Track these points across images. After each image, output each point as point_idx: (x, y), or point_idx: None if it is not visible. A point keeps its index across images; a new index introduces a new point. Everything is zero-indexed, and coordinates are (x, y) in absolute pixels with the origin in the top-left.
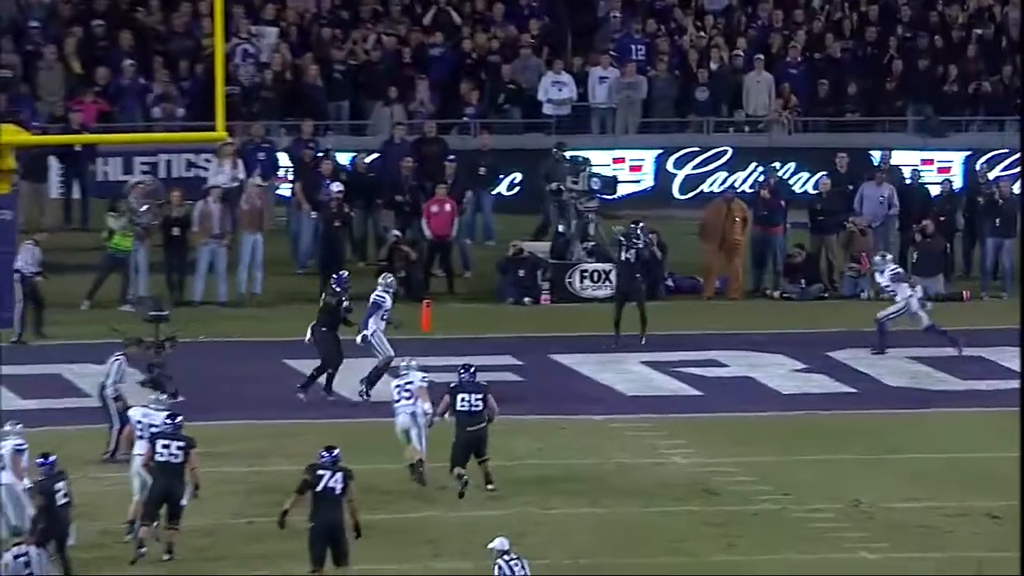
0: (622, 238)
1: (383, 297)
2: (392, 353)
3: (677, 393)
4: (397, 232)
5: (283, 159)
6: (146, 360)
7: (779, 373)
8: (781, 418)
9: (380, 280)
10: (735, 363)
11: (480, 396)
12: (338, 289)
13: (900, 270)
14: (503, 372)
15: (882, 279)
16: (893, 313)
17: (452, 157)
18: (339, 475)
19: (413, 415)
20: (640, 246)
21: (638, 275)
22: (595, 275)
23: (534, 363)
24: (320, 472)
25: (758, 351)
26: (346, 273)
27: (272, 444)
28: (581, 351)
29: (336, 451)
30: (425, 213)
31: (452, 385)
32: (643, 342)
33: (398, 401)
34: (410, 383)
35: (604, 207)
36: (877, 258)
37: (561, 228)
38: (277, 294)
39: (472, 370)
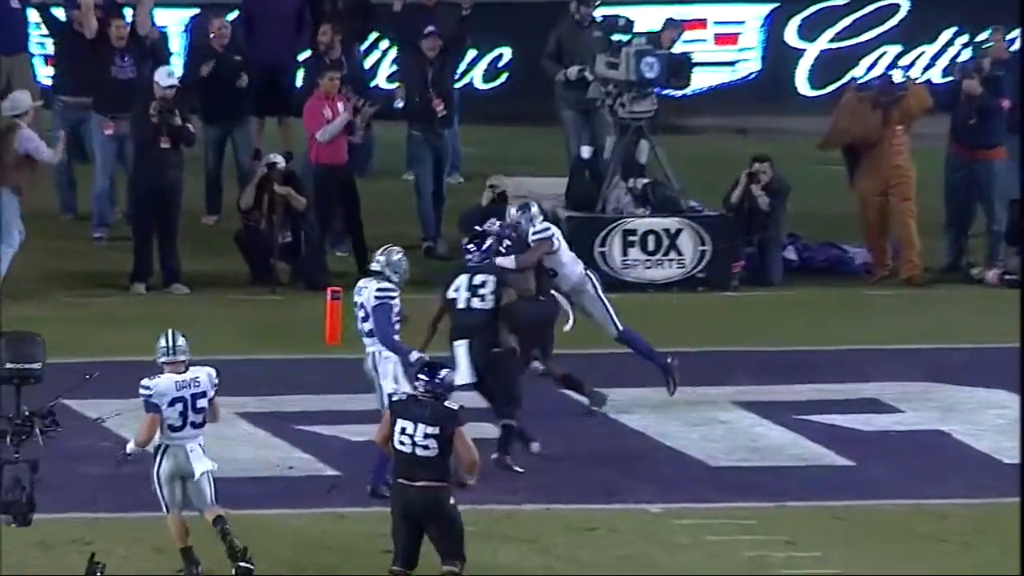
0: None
1: (391, 292)
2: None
3: (807, 462)
4: (276, 157)
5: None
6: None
7: (997, 424)
8: (1006, 507)
9: (381, 258)
10: (914, 406)
11: (435, 431)
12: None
13: (551, 231)
14: (475, 423)
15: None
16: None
17: (432, 29)
18: None
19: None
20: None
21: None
22: (652, 240)
23: (536, 406)
24: None
25: (956, 383)
26: (498, 223)
27: (43, 557)
28: (623, 382)
29: None
30: (307, 121)
31: (394, 399)
32: (600, 408)
33: (180, 428)
34: (202, 392)
35: (669, 112)
36: (514, 211)
37: (585, 153)
38: (44, 277)
39: (437, 375)
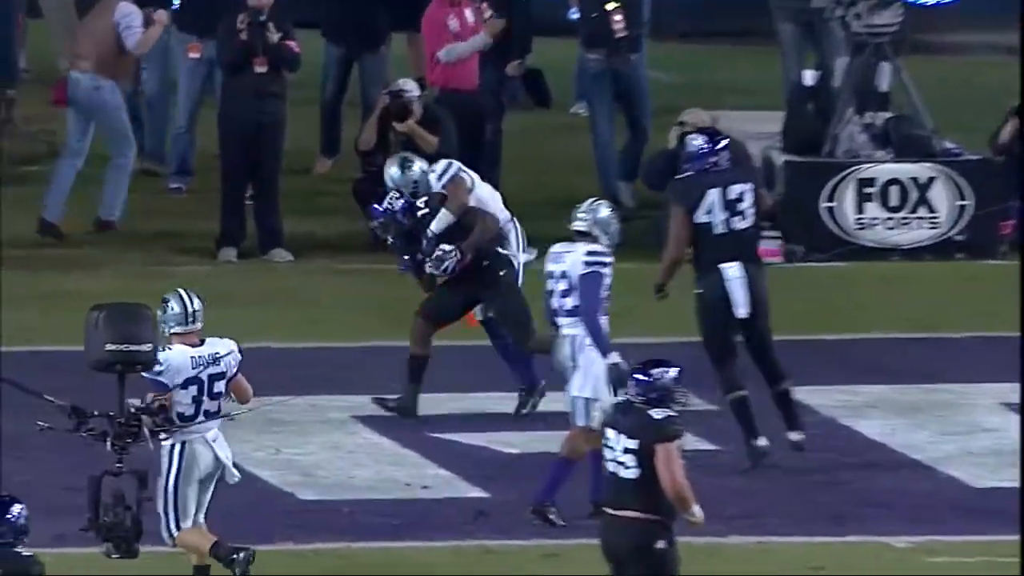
0: None
1: (605, 257)
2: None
3: None
4: (405, 84)
5: None
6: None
7: None
8: None
9: (586, 216)
10: None
11: (634, 445)
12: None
13: (455, 165)
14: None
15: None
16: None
17: None
18: None
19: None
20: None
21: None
22: (896, 192)
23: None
24: None
25: None
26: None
27: None
28: (856, 378)
29: None
30: (427, 33)
31: (615, 402)
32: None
33: (191, 417)
34: (220, 373)
35: (918, 26)
36: (395, 171)
37: (809, 79)
38: (109, 240)
39: (650, 374)
